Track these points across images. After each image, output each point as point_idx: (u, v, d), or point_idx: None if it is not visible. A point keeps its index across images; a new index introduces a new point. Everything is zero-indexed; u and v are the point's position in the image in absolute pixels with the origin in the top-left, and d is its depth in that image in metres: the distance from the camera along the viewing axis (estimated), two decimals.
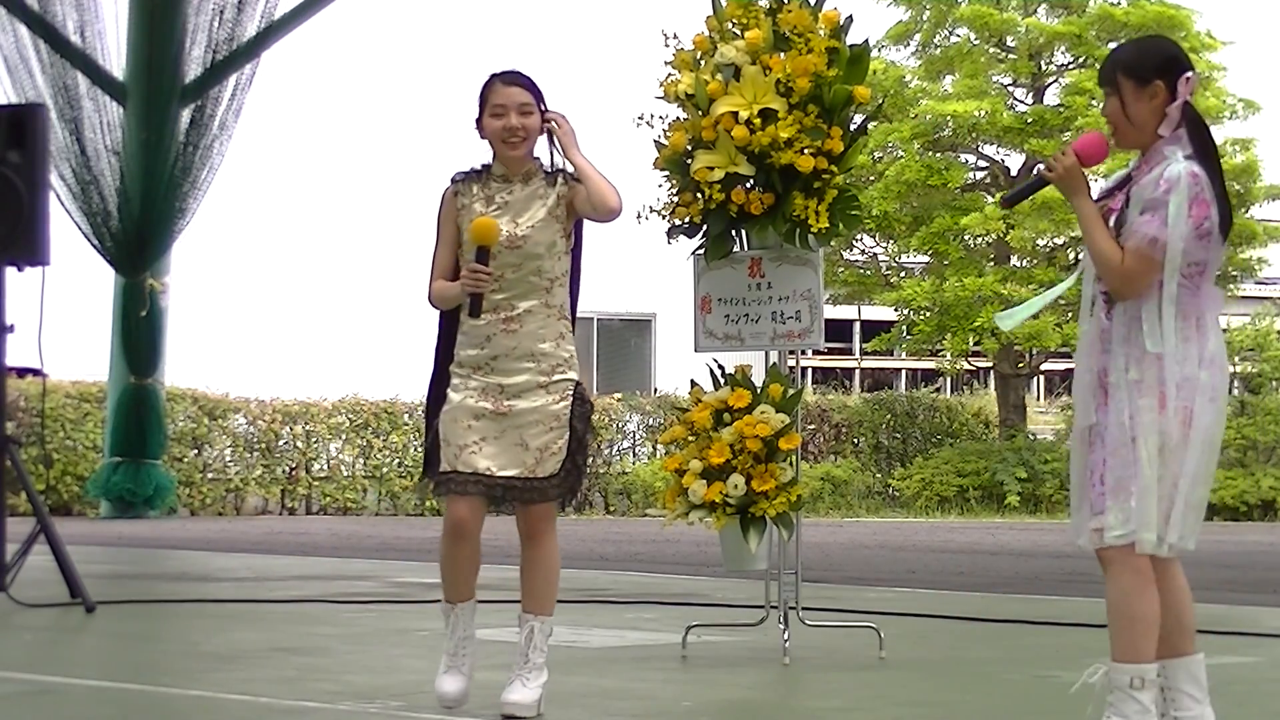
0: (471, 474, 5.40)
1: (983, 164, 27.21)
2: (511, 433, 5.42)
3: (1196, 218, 4.67)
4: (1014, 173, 26.93)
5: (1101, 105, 4.86)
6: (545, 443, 5.45)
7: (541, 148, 5.66)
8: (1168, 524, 4.79)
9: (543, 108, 5.59)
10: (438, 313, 5.70)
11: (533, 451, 5.43)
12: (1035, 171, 5.14)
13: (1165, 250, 4.65)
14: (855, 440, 26.32)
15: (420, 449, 23.38)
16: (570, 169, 5.61)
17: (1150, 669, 4.75)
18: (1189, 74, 4.79)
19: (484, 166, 5.67)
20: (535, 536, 5.59)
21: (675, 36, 7.37)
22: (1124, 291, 4.72)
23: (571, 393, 5.51)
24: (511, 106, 5.52)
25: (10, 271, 9.22)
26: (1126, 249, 4.71)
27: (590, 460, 5.97)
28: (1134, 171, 4.87)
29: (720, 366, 7.38)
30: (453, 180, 5.67)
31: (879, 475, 25.88)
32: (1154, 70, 4.79)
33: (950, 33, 26.88)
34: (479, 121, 5.61)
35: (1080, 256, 26.79)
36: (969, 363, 27.58)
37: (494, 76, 5.61)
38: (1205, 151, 4.78)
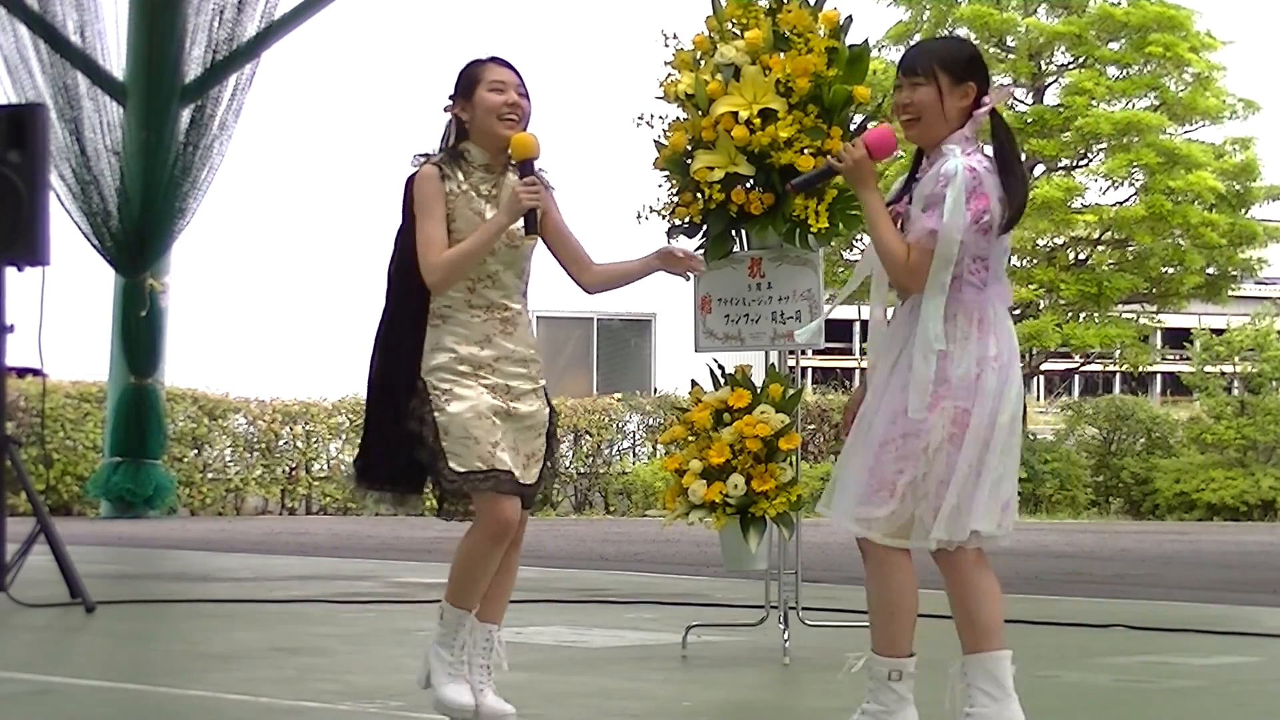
0: (507, 471, 5.21)
1: None
2: (509, 436, 5.29)
3: (975, 211, 4.66)
4: None
5: (899, 94, 4.80)
6: (534, 449, 5.35)
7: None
8: (934, 520, 4.81)
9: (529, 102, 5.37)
10: (394, 303, 5.36)
11: (522, 457, 5.31)
12: (826, 161, 5.07)
13: (942, 242, 4.66)
14: None
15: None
16: (541, 171, 5.37)
17: (909, 663, 4.90)
18: (1000, 84, 4.90)
19: (452, 151, 5.37)
20: (517, 541, 5.41)
21: (675, 36, 7.37)
22: (908, 285, 4.74)
23: (546, 398, 5.42)
24: (510, 84, 5.31)
25: (10, 271, 9.22)
26: (909, 243, 4.73)
27: (558, 463, 5.79)
28: (918, 171, 4.86)
29: (720, 366, 7.38)
30: (429, 161, 5.34)
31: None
32: (968, 71, 4.80)
33: (950, 33, 26.88)
34: (464, 100, 5.32)
35: (1080, 256, 26.85)
36: None
37: (483, 59, 5.39)
38: (1002, 152, 4.81)
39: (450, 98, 5.39)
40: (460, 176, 5.32)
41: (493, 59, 5.39)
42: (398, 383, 5.29)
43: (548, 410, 5.41)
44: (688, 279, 5.81)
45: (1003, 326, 4.74)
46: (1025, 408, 4.76)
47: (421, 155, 5.40)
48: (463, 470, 5.18)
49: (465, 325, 5.28)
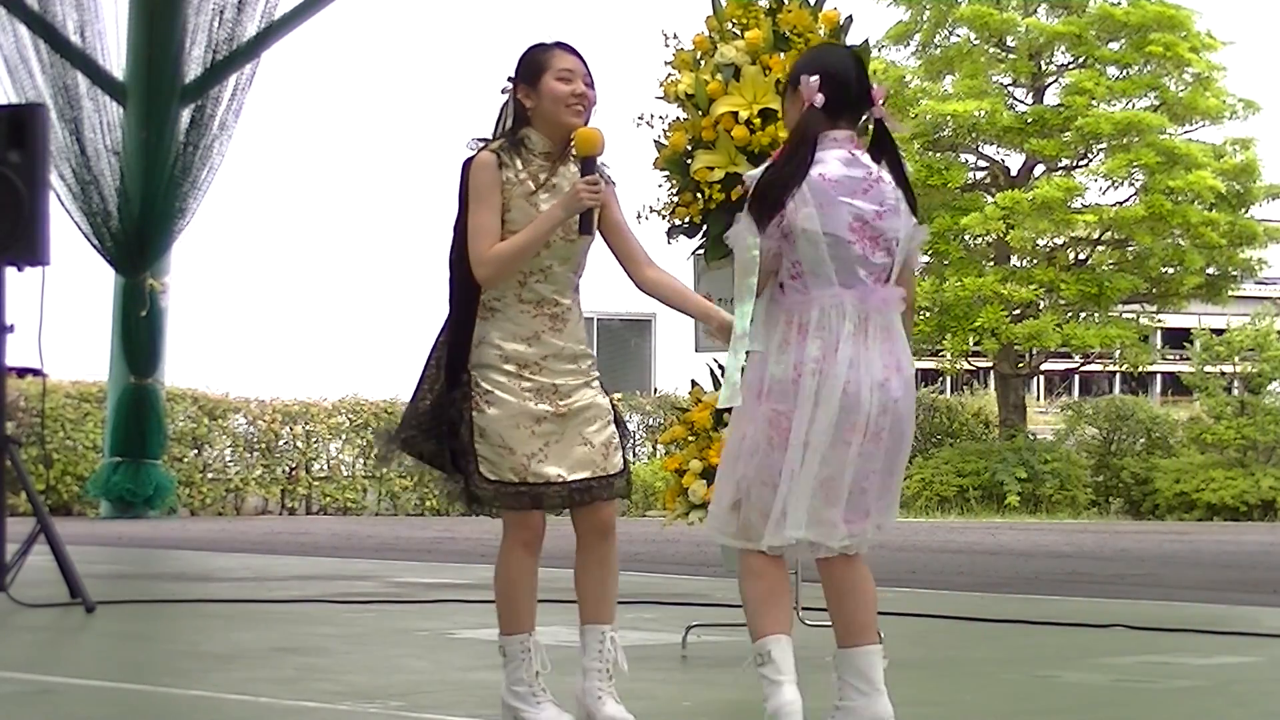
0: (546, 484, 5.06)
1: (983, 164, 27.22)
2: (571, 434, 5.11)
3: (769, 217, 4.73)
4: (1014, 173, 26.95)
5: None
6: (607, 437, 5.17)
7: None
8: (766, 524, 4.80)
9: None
10: (454, 298, 5.16)
11: (599, 448, 5.14)
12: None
13: (734, 247, 4.74)
14: None
15: None
16: (603, 166, 5.22)
17: (766, 643, 4.90)
18: (811, 77, 4.80)
19: (513, 138, 5.15)
20: (607, 534, 5.25)
21: (675, 36, 7.37)
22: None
23: (603, 388, 5.29)
24: (579, 74, 5.12)
25: (10, 271, 9.22)
26: None
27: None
28: None
29: (720, 366, 7.37)
30: (489, 149, 5.11)
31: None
32: (797, 76, 4.85)
33: (950, 33, 26.90)
34: (528, 86, 5.11)
35: (1080, 256, 26.87)
36: (969, 362, 27.59)
37: (551, 44, 5.18)
38: (789, 153, 4.81)
39: (511, 81, 5.18)
40: (519, 165, 5.11)
41: (559, 44, 5.18)
42: (450, 373, 5.11)
43: (607, 400, 5.26)
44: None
45: (826, 331, 4.68)
46: (895, 411, 4.74)
47: (480, 140, 5.17)
48: (494, 479, 5.05)
49: (514, 320, 5.10)
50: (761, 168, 4.86)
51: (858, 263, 4.73)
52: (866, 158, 4.83)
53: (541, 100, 5.10)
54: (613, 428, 5.24)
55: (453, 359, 5.11)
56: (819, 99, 4.76)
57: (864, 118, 4.95)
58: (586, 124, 5.14)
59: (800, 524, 4.75)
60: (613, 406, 5.31)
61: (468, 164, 5.12)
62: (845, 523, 4.80)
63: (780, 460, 4.70)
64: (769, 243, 4.71)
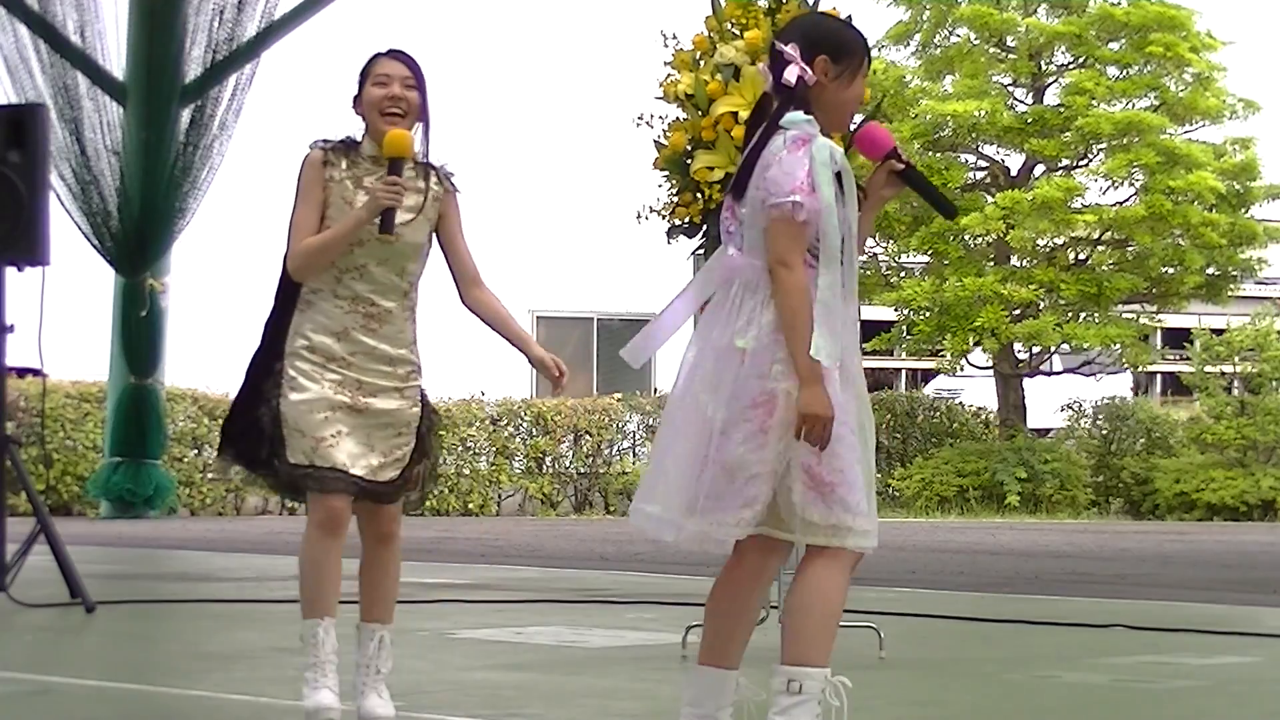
0: (331, 468, 5.16)
1: (983, 164, 27.22)
2: (361, 431, 5.19)
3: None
4: (1014, 173, 26.95)
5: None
6: (390, 448, 5.24)
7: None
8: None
9: (425, 95, 5.29)
10: (280, 289, 5.31)
11: (377, 455, 5.22)
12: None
13: None
14: None
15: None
16: (447, 170, 5.36)
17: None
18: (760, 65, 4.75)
19: (352, 140, 5.32)
20: (386, 538, 5.41)
21: (675, 36, 7.38)
22: None
23: (420, 399, 5.33)
24: (396, 77, 5.24)
25: (10, 271, 9.22)
26: None
27: (438, 464, 5.69)
28: None
29: None
30: (320, 146, 5.32)
31: (879, 475, 25.79)
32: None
33: (950, 33, 26.90)
34: (356, 97, 5.30)
35: (1080, 256, 26.80)
36: (968, 362, 27.60)
37: (380, 53, 5.35)
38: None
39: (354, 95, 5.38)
40: (344, 165, 5.27)
41: (387, 52, 5.33)
42: (263, 363, 5.28)
43: (416, 410, 5.29)
44: (553, 390, 5.67)
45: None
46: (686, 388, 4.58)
47: (322, 141, 5.35)
48: (292, 461, 5.18)
49: (326, 314, 5.21)
50: None
51: (726, 239, 4.61)
52: (777, 138, 4.55)
53: (363, 106, 5.28)
54: (404, 439, 5.28)
55: (268, 349, 5.27)
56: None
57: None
58: (411, 128, 5.26)
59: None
60: (426, 417, 5.33)
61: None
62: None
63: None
64: None
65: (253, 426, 5.25)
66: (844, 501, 4.41)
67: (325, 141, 5.33)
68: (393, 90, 5.22)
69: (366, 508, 5.35)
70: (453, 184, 5.38)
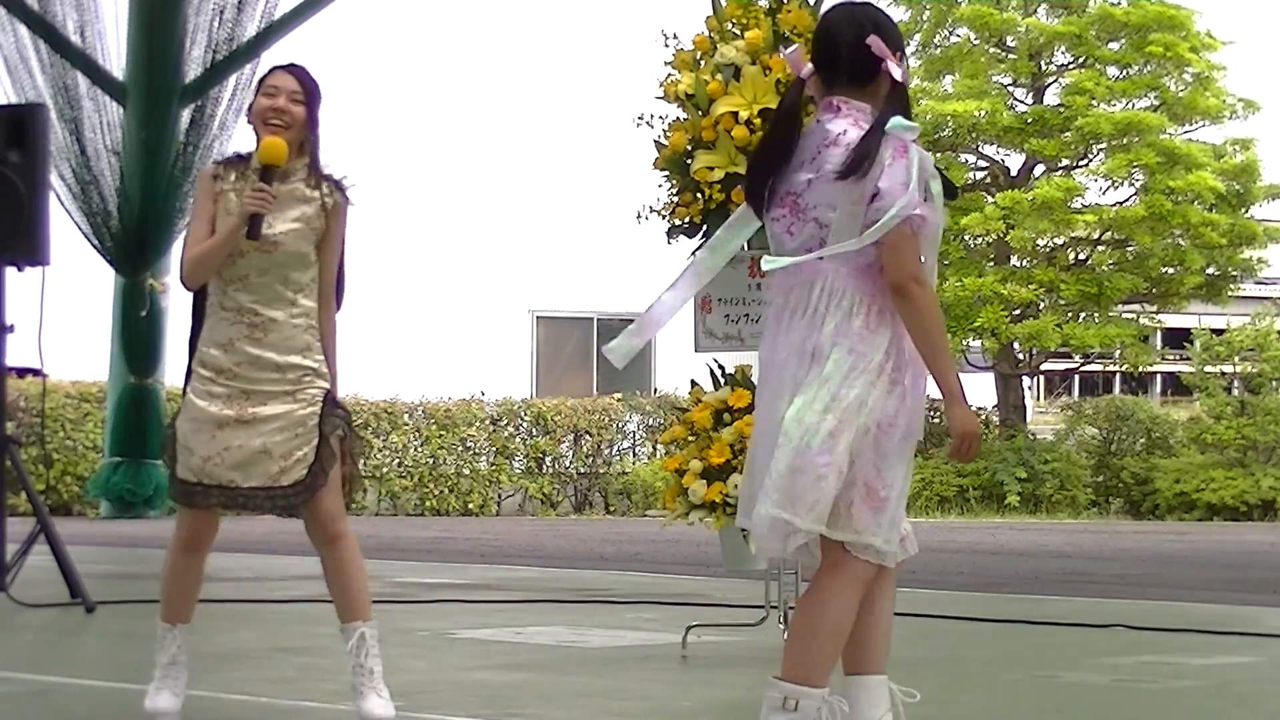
0: (215, 486, 5.27)
1: (983, 164, 27.22)
2: (256, 441, 5.25)
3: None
4: (1014, 173, 26.95)
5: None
6: (290, 450, 5.27)
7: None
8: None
9: (315, 111, 5.38)
10: (193, 300, 5.46)
11: (277, 459, 5.27)
12: None
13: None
14: None
15: (419, 449, 23.36)
16: (333, 175, 5.47)
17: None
18: (792, 48, 4.66)
19: (243, 155, 5.45)
20: (333, 539, 5.44)
21: (675, 36, 7.38)
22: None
23: (321, 400, 5.33)
24: (283, 90, 5.33)
25: (10, 271, 9.22)
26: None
27: (360, 462, 5.75)
28: None
29: (720, 366, 7.38)
30: (213, 162, 5.52)
31: None
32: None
33: (950, 33, 26.90)
34: (249, 106, 5.42)
35: (1080, 256, 26.76)
36: (968, 362, 27.60)
37: (276, 66, 5.47)
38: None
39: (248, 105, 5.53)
40: (233, 178, 5.36)
41: (281, 65, 5.45)
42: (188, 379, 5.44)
43: (312, 410, 5.31)
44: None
45: (770, 311, 4.55)
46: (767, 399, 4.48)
47: (217, 158, 5.65)
48: (180, 477, 5.34)
49: (215, 327, 5.34)
50: None
51: (780, 243, 4.46)
52: (838, 121, 4.45)
53: (251, 116, 5.39)
54: (300, 440, 5.31)
55: (187, 365, 5.44)
56: (806, 69, 4.51)
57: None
58: (296, 140, 5.33)
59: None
60: (326, 419, 5.34)
61: None
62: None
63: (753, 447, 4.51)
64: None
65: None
66: (893, 519, 4.36)
67: (222, 158, 5.50)
68: (277, 102, 5.32)
69: (307, 514, 5.41)
70: (345, 195, 5.48)
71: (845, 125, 4.43)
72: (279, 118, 5.31)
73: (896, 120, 4.43)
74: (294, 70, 5.40)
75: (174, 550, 5.51)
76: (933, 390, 4.44)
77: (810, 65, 4.50)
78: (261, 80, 5.40)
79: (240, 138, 19.07)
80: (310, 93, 5.36)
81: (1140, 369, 28.74)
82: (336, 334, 5.50)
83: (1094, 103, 25.73)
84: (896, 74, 4.46)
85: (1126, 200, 26.19)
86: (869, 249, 4.35)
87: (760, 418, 4.51)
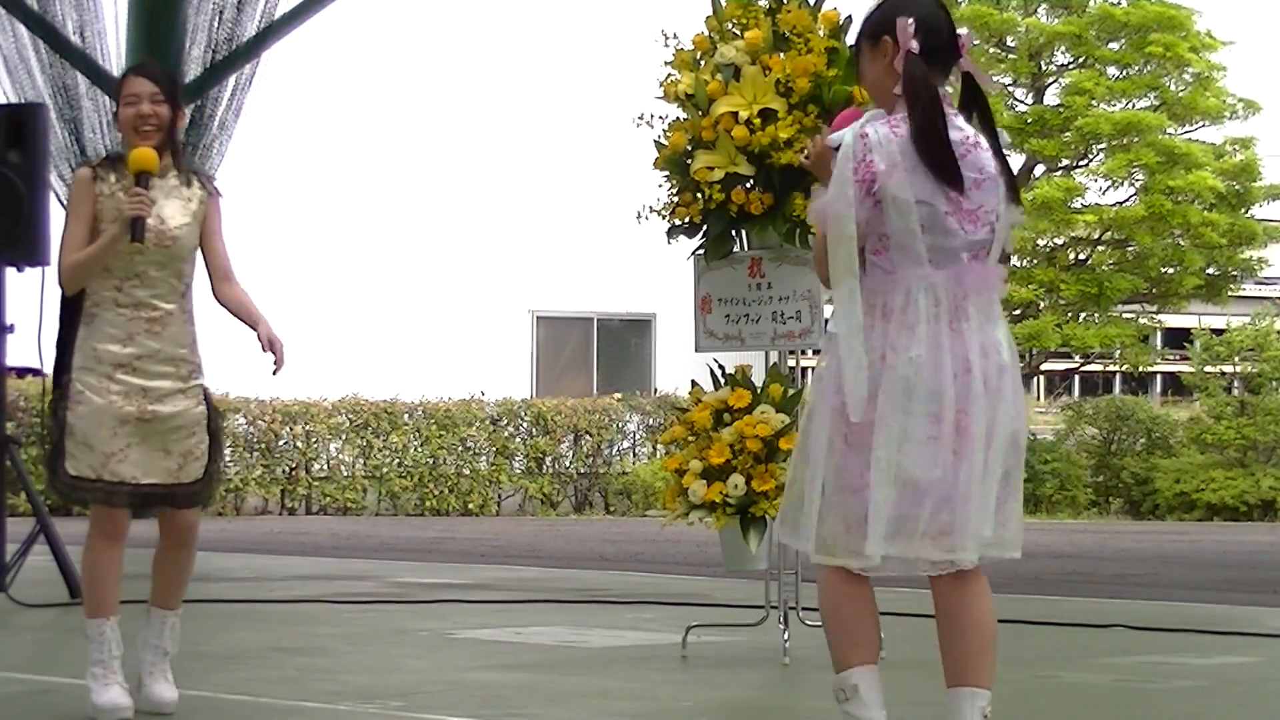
0: (119, 483, 5.36)
1: None
2: (154, 439, 5.39)
3: (862, 181, 4.11)
4: (1014, 172, 26.95)
5: None
6: (188, 448, 5.45)
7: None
8: (849, 537, 4.29)
9: (176, 103, 5.51)
10: (61, 301, 5.59)
11: (175, 458, 5.42)
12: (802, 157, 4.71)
13: (829, 221, 4.12)
14: None
15: (419, 449, 23.32)
16: (208, 175, 5.70)
17: (851, 676, 4.70)
18: (908, 19, 4.19)
19: (117, 156, 5.58)
20: (186, 541, 5.59)
21: (675, 36, 7.37)
22: (820, 272, 4.21)
23: (204, 397, 5.53)
24: (144, 95, 5.44)
25: (10, 271, 9.22)
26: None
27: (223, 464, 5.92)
28: None
29: (720, 366, 7.38)
30: (88, 164, 5.58)
31: None
32: (882, 25, 4.25)
33: None
34: (115, 114, 5.57)
35: (1080, 256, 26.77)
36: None
37: (126, 72, 5.63)
38: (914, 105, 4.20)
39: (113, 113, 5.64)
40: (113, 179, 5.48)
41: (132, 70, 5.60)
42: (55, 375, 5.51)
43: (202, 408, 5.51)
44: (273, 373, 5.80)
45: (907, 316, 4.12)
46: (983, 403, 4.16)
47: (91, 160, 5.66)
48: (74, 474, 5.38)
49: (111, 324, 5.42)
50: (844, 131, 4.19)
51: (952, 237, 4.16)
52: (961, 119, 4.37)
53: (119, 126, 5.54)
54: (198, 439, 5.48)
55: (58, 365, 5.47)
56: (914, 44, 4.19)
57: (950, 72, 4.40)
58: (159, 145, 5.44)
59: (879, 538, 4.23)
60: (211, 417, 5.53)
61: None
62: (934, 535, 4.43)
63: (859, 462, 4.13)
64: (859, 211, 4.11)
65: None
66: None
67: (96, 160, 5.61)
68: (141, 109, 5.44)
69: (167, 513, 5.53)
70: (214, 188, 5.67)
71: (965, 124, 4.41)
72: (147, 123, 5.44)
73: None
74: (145, 71, 5.54)
75: (94, 543, 5.53)
76: None
77: (916, 42, 4.23)
78: (118, 88, 5.53)
79: (240, 138, 19.09)
80: (169, 90, 5.51)
81: (1140, 369, 28.73)
82: (249, 297, 5.68)
83: (1094, 103, 25.73)
84: (984, 82, 4.53)
85: (1126, 200, 26.19)
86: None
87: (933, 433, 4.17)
